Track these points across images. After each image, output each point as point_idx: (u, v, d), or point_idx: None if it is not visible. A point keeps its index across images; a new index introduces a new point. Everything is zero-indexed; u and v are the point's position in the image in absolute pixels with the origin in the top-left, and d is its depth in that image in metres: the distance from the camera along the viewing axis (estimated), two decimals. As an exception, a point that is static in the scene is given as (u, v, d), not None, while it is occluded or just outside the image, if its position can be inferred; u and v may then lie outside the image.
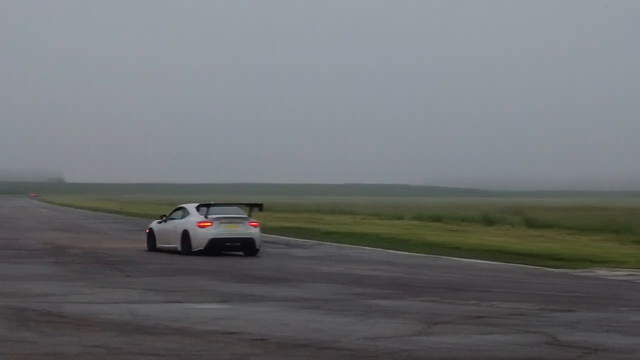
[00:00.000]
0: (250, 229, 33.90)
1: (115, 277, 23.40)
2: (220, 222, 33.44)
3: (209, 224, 33.31)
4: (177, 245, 33.89)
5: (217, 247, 33.30)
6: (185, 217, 34.37)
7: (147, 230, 36.30)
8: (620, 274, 26.77)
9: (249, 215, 34.99)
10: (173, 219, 35.09)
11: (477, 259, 31.84)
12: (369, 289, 21.32)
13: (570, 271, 27.45)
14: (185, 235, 33.52)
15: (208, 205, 34.40)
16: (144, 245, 35.29)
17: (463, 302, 18.74)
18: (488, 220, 62.05)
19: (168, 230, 34.81)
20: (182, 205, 36.09)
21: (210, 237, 33.09)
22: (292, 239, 45.80)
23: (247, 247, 33.80)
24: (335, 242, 42.32)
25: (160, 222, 35.77)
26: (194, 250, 33.05)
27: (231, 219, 33.88)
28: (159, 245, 35.04)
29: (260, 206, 36.58)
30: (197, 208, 34.29)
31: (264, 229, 44.98)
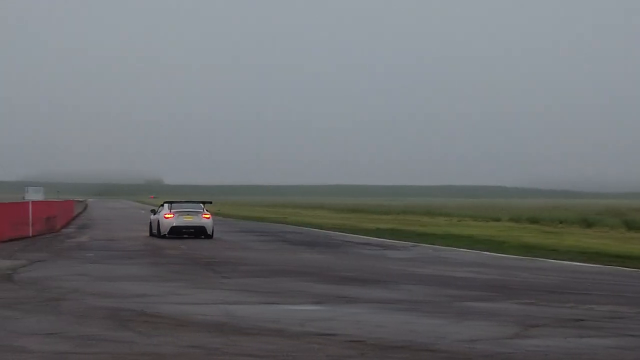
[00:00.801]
0: (202, 220, 45.45)
1: (212, 278, 23.59)
2: (179, 215, 45.19)
3: (171, 216, 45.13)
4: (156, 231, 45.66)
5: (177, 233, 44.87)
6: (160, 211, 46.22)
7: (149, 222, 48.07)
8: None
9: (205, 210, 46.08)
10: (158, 212, 46.52)
11: (574, 261, 31.40)
12: (464, 291, 21.17)
13: (671, 274, 26.92)
14: (158, 224, 45.55)
15: (172, 202, 46.76)
16: (236, 246, 35.82)
17: (560, 305, 18.49)
18: (586, 222, 61.17)
19: (153, 220, 47.01)
20: (164, 202, 47.28)
21: (171, 225, 44.86)
22: (387, 240, 45.70)
23: (200, 232, 45.22)
24: (431, 244, 42.11)
25: (152, 215, 47.88)
26: (161, 234, 44.72)
27: (187, 212, 45.60)
28: (152, 232, 46.62)
29: (209, 202, 49.65)
30: (166, 204, 46.26)
31: (357, 231, 44.76)
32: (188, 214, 45.26)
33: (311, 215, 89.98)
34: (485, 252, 36.46)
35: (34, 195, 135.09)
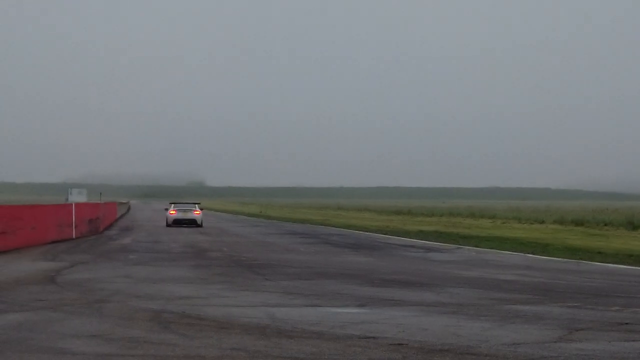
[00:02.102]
0: (194, 215, 65.63)
1: (255, 281, 23.59)
2: (179, 211, 65.73)
3: (174, 212, 65.67)
4: (164, 223, 66.82)
5: (178, 223, 64.63)
6: (168, 208, 67.38)
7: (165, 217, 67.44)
8: None
9: (197, 208, 67.18)
10: (167, 210, 67.21)
11: (620, 264, 31.10)
12: (508, 294, 21.02)
13: None
14: (166, 218, 66.35)
15: (176, 203, 68.28)
16: (279, 248, 35.86)
17: (605, 308, 18.30)
18: (632, 224, 60.60)
19: (164, 215, 70.68)
20: (170, 203, 68.92)
21: (174, 218, 65.19)
22: (431, 242, 45.54)
23: (192, 223, 64.94)
24: (475, 246, 41.91)
25: (165, 212, 68.52)
26: (168, 224, 64.81)
27: (184, 209, 66.20)
28: (167, 224, 65.29)
29: (198, 203, 69.77)
30: (172, 204, 67.23)
31: (401, 233, 44.78)
32: (185, 211, 66.17)
33: (355, 217, 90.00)
34: (530, 255, 36.23)
35: (77, 197, 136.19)
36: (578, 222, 67.69)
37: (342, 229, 64.33)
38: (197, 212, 66.00)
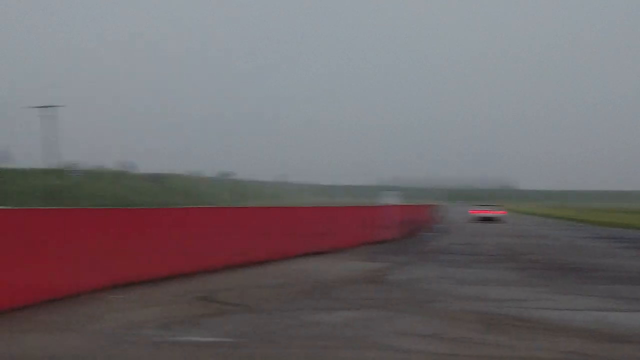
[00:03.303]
0: (494, 214, 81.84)
1: (574, 284, 23.20)
2: (481, 210, 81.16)
3: (477, 211, 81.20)
4: (469, 220, 69.65)
5: (480, 220, 74.02)
6: (473, 208, 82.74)
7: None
8: None
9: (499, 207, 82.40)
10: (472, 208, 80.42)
11: None
12: None
13: None
14: (470, 215, 75.32)
15: (480, 205, 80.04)
16: (596, 253, 35.03)
17: None
18: None
19: (472, 216, 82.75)
20: (473, 205, 76.58)
21: (476, 216, 79.73)
22: None
23: (492, 220, 74.34)
24: None
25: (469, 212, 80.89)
26: (471, 222, 66.90)
27: (486, 208, 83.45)
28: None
29: (499, 206, 77.59)
30: (475, 206, 74.48)
31: None
32: (486, 210, 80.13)
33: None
34: None
35: (390, 199, 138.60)
36: None
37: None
38: (497, 212, 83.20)
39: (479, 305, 18.00)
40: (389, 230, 45.90)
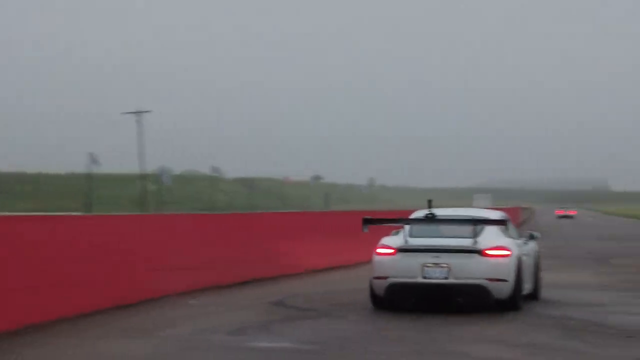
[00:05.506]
0: (571, 213, 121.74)
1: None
2: (564, 210, 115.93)
3: (560, 212, 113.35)
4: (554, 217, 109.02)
5: (561, 217, 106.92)
6: (559, 209, 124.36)
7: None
8: None
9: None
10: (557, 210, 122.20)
11: None
12: None
13: None
14: (555, 214, 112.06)
15: (562, 207, 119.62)
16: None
17: None
18: None
19: (565, 220, 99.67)
20: (559, 207, 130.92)
21: (558, 215, 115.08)
22: None
23: (570, 217, 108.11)
24: None
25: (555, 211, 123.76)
26: (557, 218, 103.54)
27: (567, 209, 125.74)
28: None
29: (572, 208, 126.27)
30: (559, 207, 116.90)
31: None
32: (567, 210, 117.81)
33: None
34: None
35: (481, 202, 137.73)
36: None
37: None
38: (572, 212, 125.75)
39: (559, 310, 17.66)
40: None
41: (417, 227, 17.65)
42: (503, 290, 16.87)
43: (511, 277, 16.96)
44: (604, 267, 30.39)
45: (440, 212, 18.08)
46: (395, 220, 18.78)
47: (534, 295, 19.07)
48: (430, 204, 17.77)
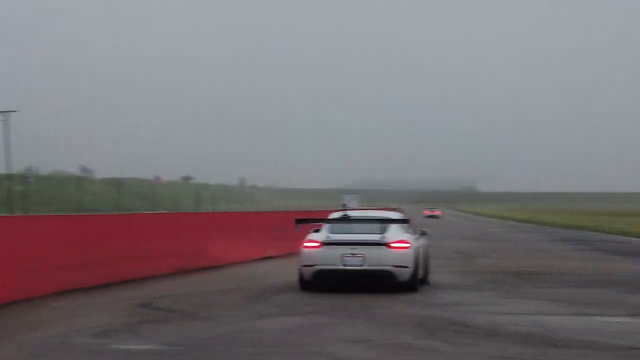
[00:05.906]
0: (437, 213, 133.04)
1: (523, 288, 23.25)
2: (429, 211, 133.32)
3: (427, 212, 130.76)
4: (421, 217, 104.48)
5: (427, 217, 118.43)
6: (429, 210, 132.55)
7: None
8: None
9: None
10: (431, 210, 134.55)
11: None
12: None
13: None
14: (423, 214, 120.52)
15: (428, 208, 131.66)
16: (550, 255, 35.14)
17: None
18: None
19: (430, 220, 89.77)
20: (426, 208, 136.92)
21: (425, 215, 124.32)
22: None
23: (436, 217, 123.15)
24: None
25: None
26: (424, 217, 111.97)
27: (431, 209, 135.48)
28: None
29: (436, 208, 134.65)
30: (426, 208, 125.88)
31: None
32: (431, 210, 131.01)
33: (633, 224, 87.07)
34: None
35: (350, 202, 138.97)
36: None
37: (614, 235, 62.51)
38: (437, 212, 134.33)
39: (422, 310, 18.00)
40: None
41: (337, 225, 21.75)
42: (405, 274, 20.93)
43: (411, 264, 21.05)
44: (469, 266, 30.98)
45: (353, 213, 22.86)
46: (319, 219, 22.62)
47: (424, 279, 22.99)
48: (344, 207, 23.29)
